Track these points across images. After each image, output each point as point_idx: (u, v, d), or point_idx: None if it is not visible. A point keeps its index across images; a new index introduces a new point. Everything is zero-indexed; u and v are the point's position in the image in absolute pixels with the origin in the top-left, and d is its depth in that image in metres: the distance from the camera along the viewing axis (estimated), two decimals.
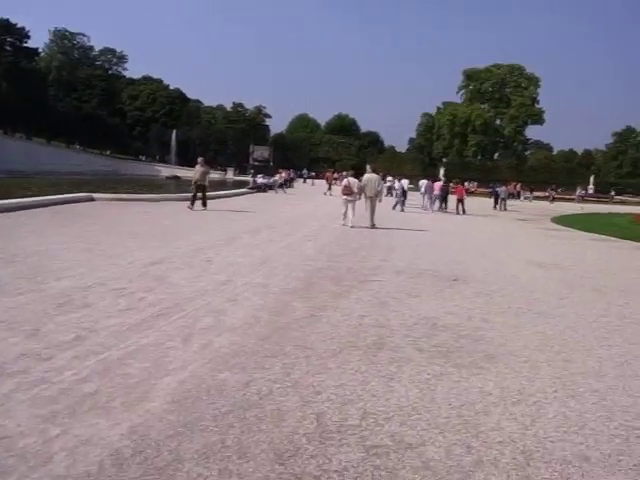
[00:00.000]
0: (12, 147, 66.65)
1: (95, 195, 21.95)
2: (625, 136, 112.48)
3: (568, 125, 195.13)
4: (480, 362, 4.77)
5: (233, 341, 4.89)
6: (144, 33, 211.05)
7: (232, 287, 7.19)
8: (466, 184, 47.14)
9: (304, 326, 5.54)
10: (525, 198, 55.14)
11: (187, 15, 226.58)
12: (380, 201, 17.32)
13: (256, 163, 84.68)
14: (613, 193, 66.23)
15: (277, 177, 42.54)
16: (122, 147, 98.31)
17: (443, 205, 27.87)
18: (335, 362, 4.51)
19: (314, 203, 27.34)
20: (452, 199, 28.47)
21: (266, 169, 62.27)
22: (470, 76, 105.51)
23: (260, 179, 40.58)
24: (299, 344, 4.92)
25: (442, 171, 79.20)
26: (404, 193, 26.38)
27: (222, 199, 26.70)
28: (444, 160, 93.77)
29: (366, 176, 17.10)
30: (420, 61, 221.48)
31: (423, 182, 29.37)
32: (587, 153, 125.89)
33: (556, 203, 50.15)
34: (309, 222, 17.52)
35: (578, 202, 51.00)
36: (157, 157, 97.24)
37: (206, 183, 19.60)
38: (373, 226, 16.13)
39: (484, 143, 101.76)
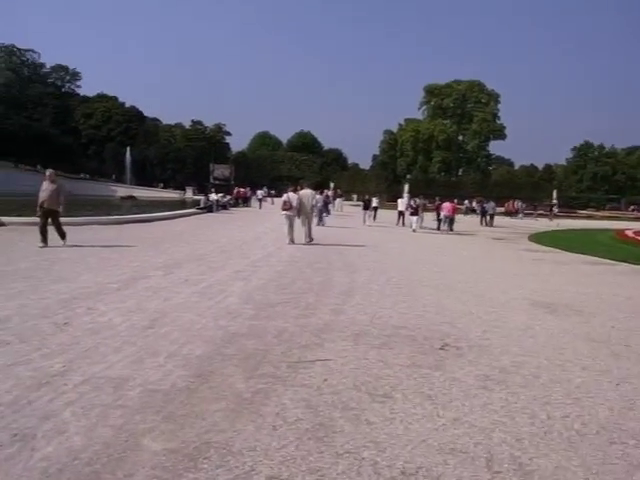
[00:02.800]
0: None
1: (6, 219, 18.59)
2: (584, 151, 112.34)
3: (528, 141, 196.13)
4: None
5: None
6: (98, 50, 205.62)
7: (53, 393, 3.97)
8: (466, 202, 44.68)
9: None
10: (525, 215, 49.96)
11: (138, 32, 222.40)
12: (315, 216, 19.09)
13: (217, 182, 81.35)
14: (556, 210, 55.83)
15: (213, 195, 37.70)
16: (76, 167, 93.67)
17: (449, 226, 27.18)
18: None
19: (267, 225, 24.07)
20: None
21: (227, 188, 59.28)
22: (431, 92, 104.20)
23: (214, 197, 37.07)
24: None
25: (406, 188, 76.87)
26: (325, 207, 27.42)
27: (161, 222, 23.33)
28: (408, 177, 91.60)
29: (302, 192, 17.15)
30: (382, 77, 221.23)
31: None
32: (548, 168, 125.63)
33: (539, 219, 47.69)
34: (252, 249, 14.30)
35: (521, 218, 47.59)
36: (113, 177, 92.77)
37: (58, 208, 13.16)
38: (310, 242, 16.42)
39: (448, 159, 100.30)
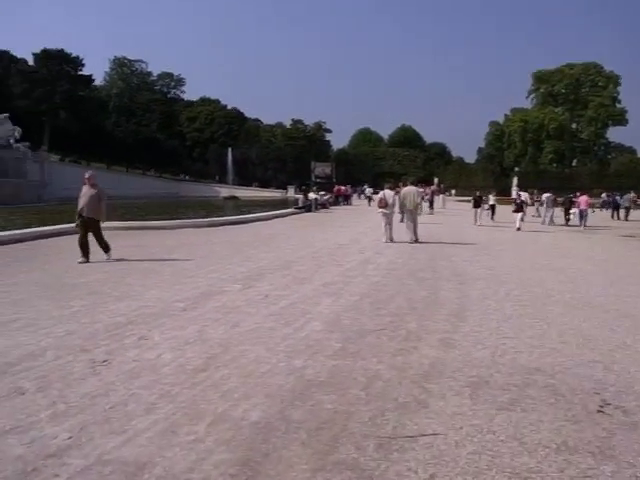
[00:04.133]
0: (69, 173, 65.63)
1: (101, 224, 18.36)
2: None
3: None
4: None
5: None
6: (201, 55, 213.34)
7: None
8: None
9: None
10: None
11: (242, 36, 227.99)
12: (419, 214, 17.05)
13: (318, 180, 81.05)
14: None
15: (312, 194, 35.95)
16: (182, 169, 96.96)
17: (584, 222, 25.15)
18: None
19: (367, 225, 22.48)
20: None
21: (328, 186, 58.43)
22: (540, 78, 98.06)
23: (315, 195, 35.77)
24: None
25: (515, 181, 72.98)
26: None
27: (256, 223, 22.51)
28: (516, 169, 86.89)
29: (405, 189, 16.35)
30: (485, 68, 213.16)
31: (546, 195, 27.03)
32: None
33: None
34: (347, 255, 12.83)
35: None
36: (217, 177, 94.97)
37: (99, 217, 11.16)
38: (416, 240, 15.54)
39: (561, 149, 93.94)
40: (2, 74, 71.78)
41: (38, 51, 75.24)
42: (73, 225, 11.70)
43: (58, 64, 74.60)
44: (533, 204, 31.25)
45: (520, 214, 22.20)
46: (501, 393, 4.25)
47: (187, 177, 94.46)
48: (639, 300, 8.30)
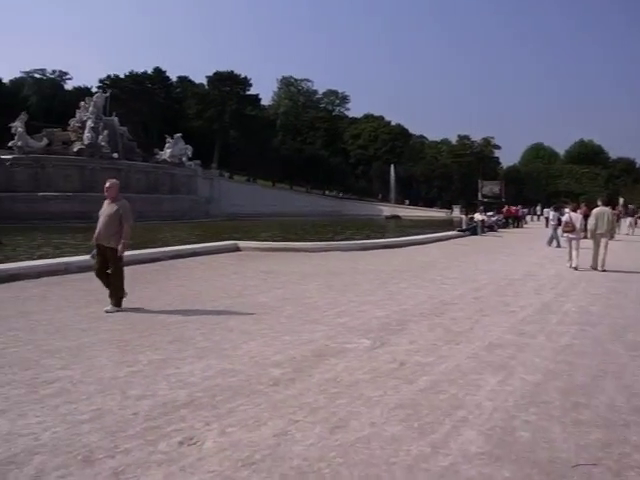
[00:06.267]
0: (236, 190, 68.27)
1: (241, 244, 17.43)
2: None
3: None
4: None
5: None
6: (364, 72, 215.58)
7: None
8: None
9: None
10: None
11: (405, 51, 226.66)
12: (612, 238, 14.47)
13: (485, 199, 76.68)
14: None
15: (478, 215, 31.79)
16: (345, 187, 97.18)
17: None
18: None
19: (543, 253, 19.01)
20: None
21: (497, 206, 54.37)
22: None
23: (482, 217, 32.11)
24: None
25: None
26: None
27: (411, 247, 20.10)
28: None
29: (597, 210, 14.28)
30: None
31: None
32: None
33: None
34: (520, 295, 9.90)
35: None
36: (379, 196, 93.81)
37: (116, 245, 7.65)
38: (603, 270, 13.56)
39: None
40: (181, 97, 77.07)
41: (211, 74, 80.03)
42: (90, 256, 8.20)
43: (228, 85, 78.63)
44: None
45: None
46: None
47: (348, 195, 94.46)
48: None
